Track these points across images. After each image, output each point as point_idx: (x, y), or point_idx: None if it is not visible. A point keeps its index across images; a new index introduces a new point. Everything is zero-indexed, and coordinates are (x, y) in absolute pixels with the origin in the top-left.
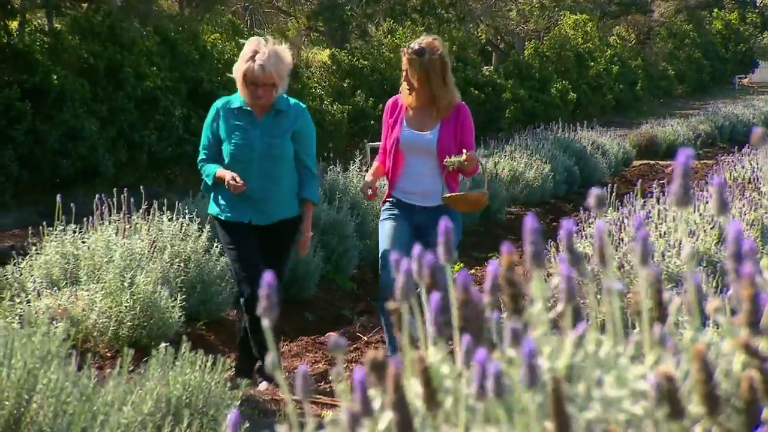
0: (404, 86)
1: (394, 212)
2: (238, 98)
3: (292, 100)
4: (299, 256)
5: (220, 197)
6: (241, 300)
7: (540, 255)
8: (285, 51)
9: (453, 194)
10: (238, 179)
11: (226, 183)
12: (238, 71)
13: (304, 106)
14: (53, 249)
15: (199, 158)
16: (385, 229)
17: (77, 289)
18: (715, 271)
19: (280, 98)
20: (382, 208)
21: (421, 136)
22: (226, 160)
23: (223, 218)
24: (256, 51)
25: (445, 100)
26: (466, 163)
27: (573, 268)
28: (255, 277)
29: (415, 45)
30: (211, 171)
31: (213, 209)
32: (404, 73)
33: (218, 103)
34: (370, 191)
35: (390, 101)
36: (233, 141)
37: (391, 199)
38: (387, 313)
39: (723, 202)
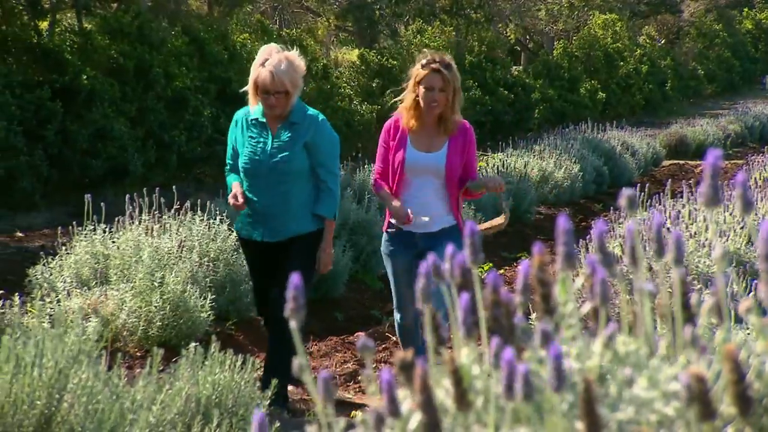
0: (409, 106)
1: (395, 249)
2: (258, 109)
3: (311, 111)
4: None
5: (239, 211)
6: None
7: (572, 256)
8: (297, 58)
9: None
10: (239, 197)
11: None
12: (251, 78)
13: (322, 117)
14: (83, 249)
15: (226, 168)
16: (394, 278)
17: (107, 289)
18: (746, 271)
19: (297, 109)
20: (384, 239)
21: (429, 157)
22: (241, 174)
23: (241, 235)
24: (267, 58)
25: (456, 116)
26: (486, 188)
27: (605, 269)
28: (263, 302)
29: (435, 58)
30: (228, 183)
31: (236, 224)
32: (422, 92)
33: (240, 112)
34: (405, 217)
35: (389, 122)
36: (244, 153)
37: (391, 230)
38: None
39: (747, 201)
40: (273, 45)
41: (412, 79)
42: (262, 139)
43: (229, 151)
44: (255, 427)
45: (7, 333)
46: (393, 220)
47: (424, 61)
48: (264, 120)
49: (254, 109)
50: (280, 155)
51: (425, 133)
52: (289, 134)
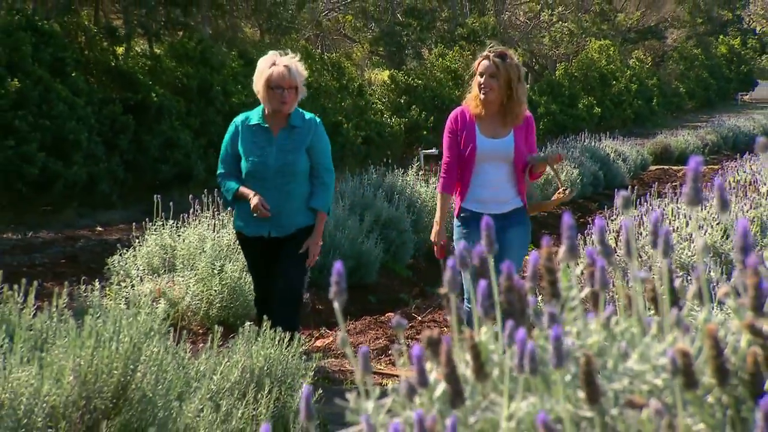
0: (475, 95)
1: (469, 231)
2: (257, 115)
3: (308, 115)
4: (357, 249)
5: (240, 212)
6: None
7: (575, 248)
8: (300, 63)
9: (542, 203)
10: (265, 205)
11: (252, 206)
12: (260, 80)
13: (318, 120)
14: (153, 241)
15: (218, 172)
16: None
17: (174, 276)
18: (721, 260)
19: (296, 114)
20: (456, 225)
21: (499, 143)
22: (243, 176)
23: (245, 234)
24: (275, 60)
25: (519, 107)
26: (548, 160)
27: (604, 258)
28: (265, 297)
29: (493, 50)
30: (231, 188)
31: (236, 224)
32: (479, 80)
33: (238, 119)
34: (440, 245)
35: (456, 112)
36: (250, 158)
37: (464, 214)
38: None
39: (723, 201)
40: (274, 52)
41: (474, 69)
42: (266, 144)
43: (224, 155)
44: (303, 398)
45: (89, 313)
46: (465, 205)
47: (483, 53)
48: (266, 125)
49: (254, 115)
50: (286, 158)
51: (492, 121)
52: (292, 138)
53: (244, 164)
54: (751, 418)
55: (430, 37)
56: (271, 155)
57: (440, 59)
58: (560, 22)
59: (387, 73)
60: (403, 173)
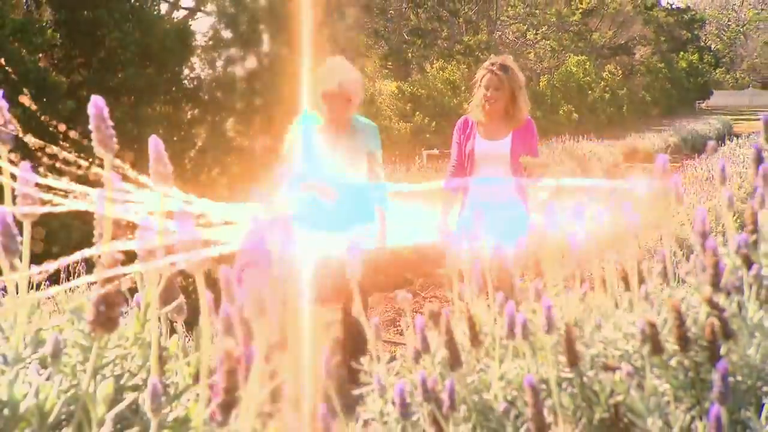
0: (479, 102)
1: (467, 222)
2: (313, 118)
3: (365, 120)
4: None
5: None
6: None
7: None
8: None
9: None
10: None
11: (318, 194)
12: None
13: (375, 126)
14: None
15: (279, 173)
16: None
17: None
18: (681, 245)
19: (356, 118)
20: (459, 216)
21: (496, 145)
22: (308, 176)
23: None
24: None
25: (521, 113)
26: (540, 165)
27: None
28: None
29: (496, 62)
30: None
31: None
32: (483, 90)
33: (298, 121)
34: (441, 234)
35: (460, 121)
36: (314, 158)
37: (465, 210)
38: None
39: (678, 195)
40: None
41: (477, 80)
42: (331, 144)
43: (286, 155)
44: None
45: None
46: (467, 200)
47: (486, 64)
48: (329, 127)
49: (312, 118)
50: (353, 157)
51: (492, 125)
52: (357, 139)
53: (307, 164)
54: (710, 379)
55: (432, 53)
56: (338, 154)
57: (441, 72)
58: (543, 41)
59: (395, 84)
60: (407, 170)
